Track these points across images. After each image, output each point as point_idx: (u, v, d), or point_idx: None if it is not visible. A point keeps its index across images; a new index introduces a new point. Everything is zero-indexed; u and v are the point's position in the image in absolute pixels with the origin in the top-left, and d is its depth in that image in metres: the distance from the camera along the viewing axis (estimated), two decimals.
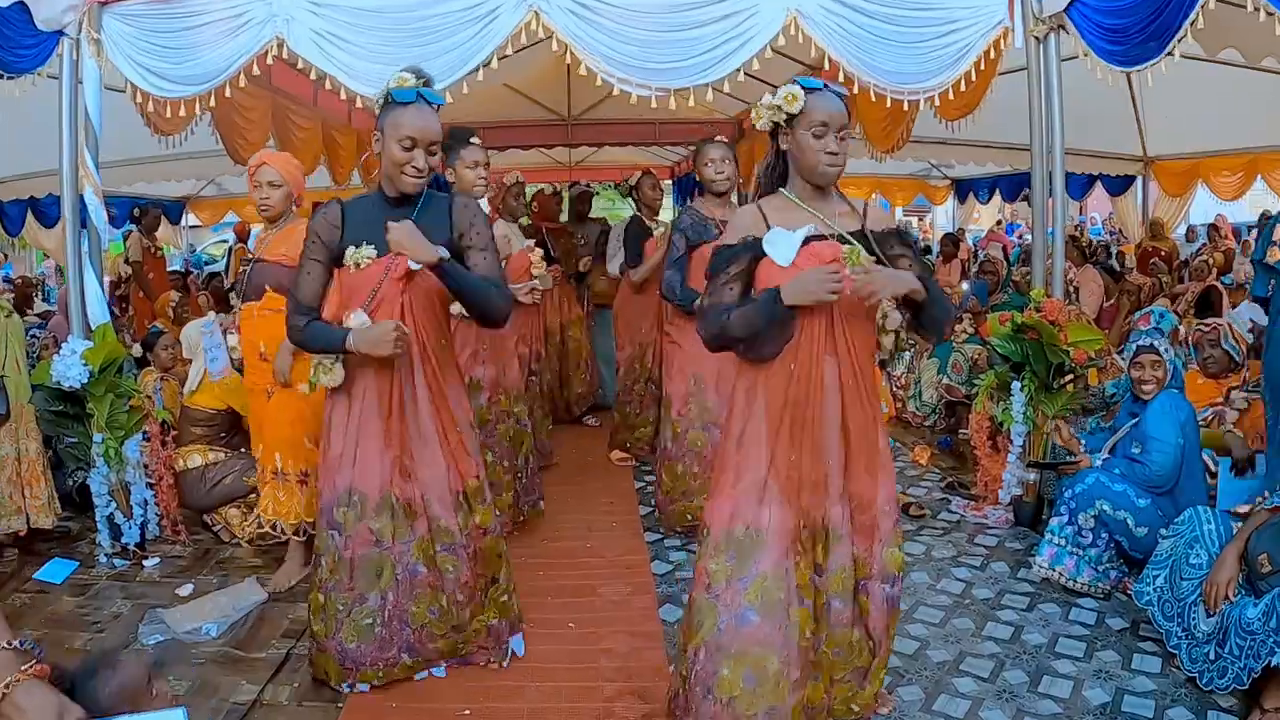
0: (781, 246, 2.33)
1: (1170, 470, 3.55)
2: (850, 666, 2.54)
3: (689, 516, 4.24)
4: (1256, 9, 3.23)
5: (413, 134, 2.64)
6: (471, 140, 4.02)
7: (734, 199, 4.36)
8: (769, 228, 2.37)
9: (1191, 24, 3.47)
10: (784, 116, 2.39)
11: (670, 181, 12.02)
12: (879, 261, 2.40)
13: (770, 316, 2.31)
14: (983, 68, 4.35)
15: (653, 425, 5.48)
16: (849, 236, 2.39)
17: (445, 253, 2.67)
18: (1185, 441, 3.59)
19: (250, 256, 4.08)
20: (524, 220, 5.70)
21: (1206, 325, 4.33)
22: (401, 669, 2.99)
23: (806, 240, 2.34)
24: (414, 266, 2.69)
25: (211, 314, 5.06)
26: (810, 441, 2.39)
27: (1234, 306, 7.82)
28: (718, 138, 4.45)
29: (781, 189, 2.49)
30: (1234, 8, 3.32)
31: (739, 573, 2.37)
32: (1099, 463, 3.80)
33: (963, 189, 12.90)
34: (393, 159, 2.66)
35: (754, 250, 2.37)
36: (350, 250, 2.72)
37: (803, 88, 2.37)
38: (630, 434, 5.70)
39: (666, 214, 6.70)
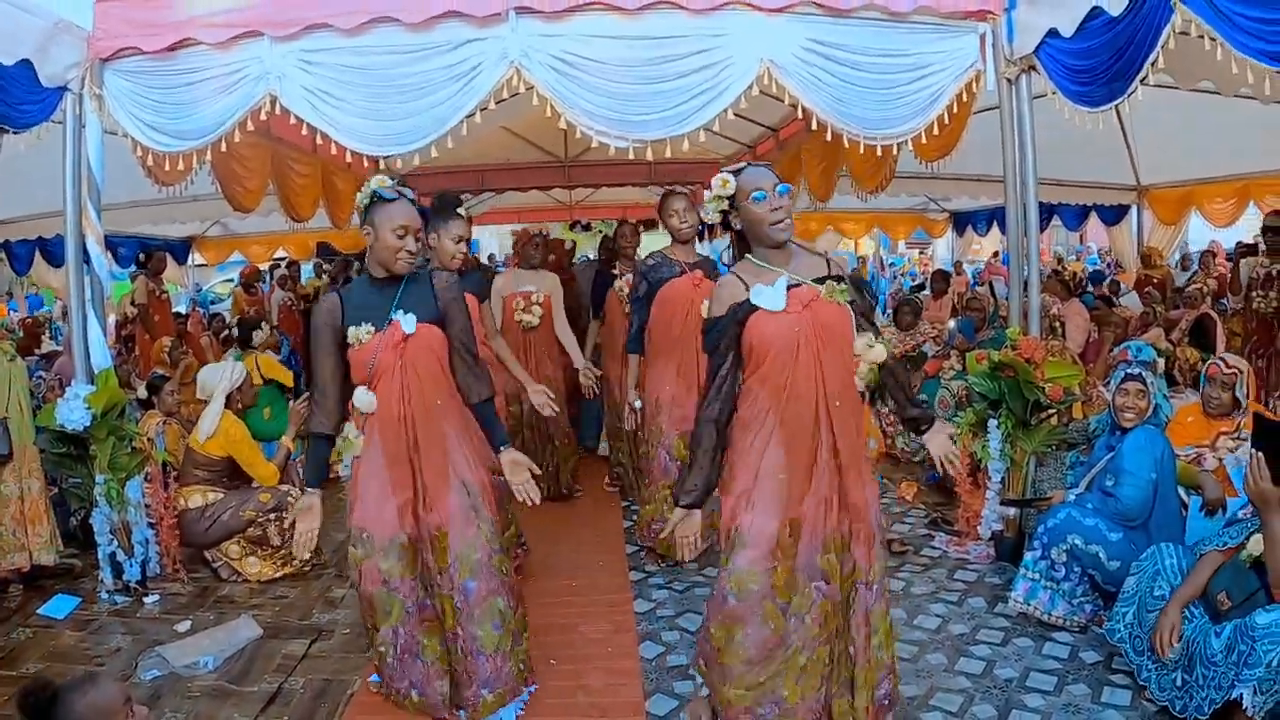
0: (770, 296, 2.60)
1: (1141, 504, 3.59)
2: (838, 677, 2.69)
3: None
4: (1214, 41, 3.32)
5: (405, 223, 2.96)
6: (458, 212, 4.12)
7: (698, 243, 4.47)
8: (748, 289, 2.62)
9: (1153, 64, 3.58)
10: (726, 202, 2.69)
11: None
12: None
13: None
14: (955, 110, 4.47)
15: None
16: (820, 280, 2.66)
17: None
18: (1159, 476, 3.63)
19: None
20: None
21: (1229, 365, 4.11)
22: (410, 706, 3.14)
23: (789, 288, 2.62)
24: (407, 330, 2.99)
25: (229, 357, 5.17)
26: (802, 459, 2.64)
27: (1228, 334, 7.83)
28: (678, 189, 4.66)
29: (748, 256, 2.74)
30: (1198, 42, 3.39)
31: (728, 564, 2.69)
32: (1073, 497, 3.85)
33: (960, 221, 12.98)
34: (388, 246, 2.98)
35: (739, 315, 2.63)
36: (351, 330, 3.02)
37: (730, 173, 2.69)
38: (612, 467, 5.99)
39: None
